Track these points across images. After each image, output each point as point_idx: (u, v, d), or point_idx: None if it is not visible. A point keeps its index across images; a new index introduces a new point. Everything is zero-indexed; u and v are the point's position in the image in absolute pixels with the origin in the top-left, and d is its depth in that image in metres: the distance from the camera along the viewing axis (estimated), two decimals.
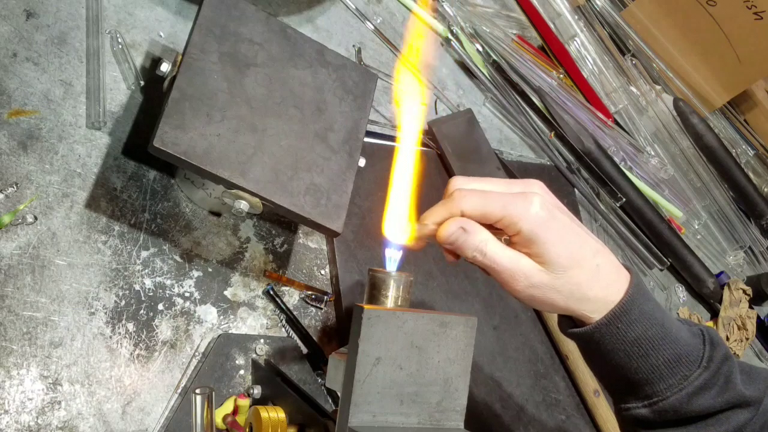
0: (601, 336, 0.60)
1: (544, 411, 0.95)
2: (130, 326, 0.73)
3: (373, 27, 1.05)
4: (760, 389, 0.63)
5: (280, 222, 0.86)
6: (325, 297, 0.84)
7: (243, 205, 0.73)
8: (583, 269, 0.59)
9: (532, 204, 0.58)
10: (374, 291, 0.57)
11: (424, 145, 1.02)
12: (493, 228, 0.62)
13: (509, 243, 0.60)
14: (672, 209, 1.28)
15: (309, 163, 0.76)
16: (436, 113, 1.07)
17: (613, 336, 0.60)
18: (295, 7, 0.98)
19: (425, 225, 0.60)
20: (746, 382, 0.63)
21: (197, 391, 0.63)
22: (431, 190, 0.99)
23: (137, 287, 0.74)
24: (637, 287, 0.61)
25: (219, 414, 0.72)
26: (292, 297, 0.83)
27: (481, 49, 1.16)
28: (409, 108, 0.62)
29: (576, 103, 1.24)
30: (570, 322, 0.64)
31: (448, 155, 1.01)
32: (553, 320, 0.99)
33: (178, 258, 0.78)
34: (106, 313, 0.72)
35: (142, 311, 0.74)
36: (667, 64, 1.40)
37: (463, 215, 0.59)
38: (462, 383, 0.55)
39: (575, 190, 1.17)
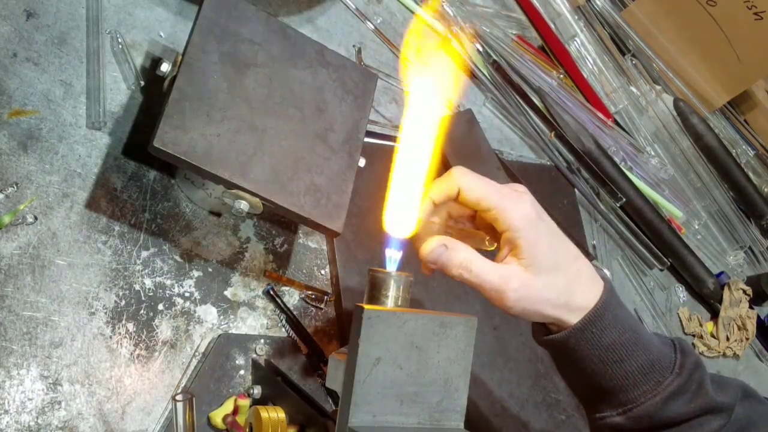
0: (576, 342, 0.61)
1: (544, 411, 0.95)
2: (130, 326, 0.73)
3: (373, 27, 1.05)
4: (731, 396, 0.64)
5: (280, 222, 0.86)
6: (325, 297, 0.84)
7: (243, 205, 0.73)
8: (565, 273, 0.60)
9: (525, 202, 0.59)
10: (374, 291, 0.57)
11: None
12: (475, 229, 0.62)
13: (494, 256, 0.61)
14: (672, 209, 1.28)
15: (309, 163, 0.76)
16: None
17: (588, 341, 0.61)
18: (295, 7, 0.98)
19: (424, 204, 0.60)
20: (717, 390, 0.63)
21: (178, 397, 0.63)
22: None
23: (137, 287, 0.74)
24: (610, 293, 0.62)
25: (219, 414, 0.72)
26: (292, 297, 0.83)
27: (481, 49, 1.16)
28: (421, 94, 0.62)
29: (576, 103, 1.24)
30: (544, 330, 0.64)
31: (448, 155, 1.01)
32: None
33: (178, 258, 0.78)
34: (106, 313, 0.72)
35: (142, 311, 0.74)
36: (667, 64, 1.40)
37: (459, 193, 0.59)
38: (462, 383, 0.55)
39: (575, 190, 1.17)
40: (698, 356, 0.64)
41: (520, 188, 0.61)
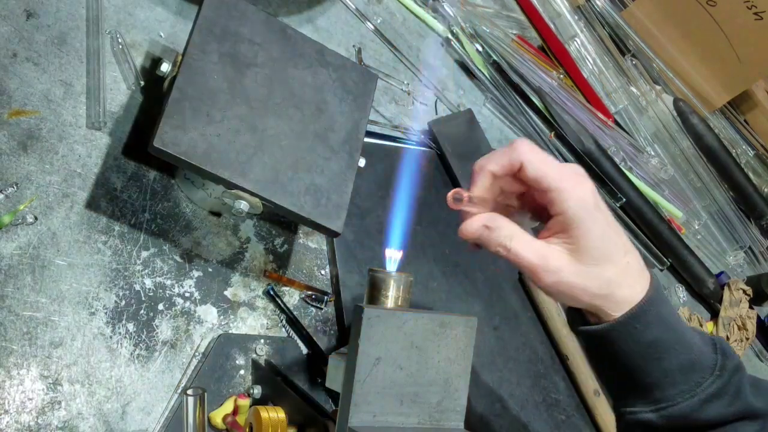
0: (617, 335, 0.59)
1: (544, 411, 0.96)
2: (130, 326, 0.73)
3: (373, 27, 1.05)
4: (767, 402, 0.61)
5: (280, 222, 0.86)
6: (325, 297, 0.84)
7: (243, 205, 0.73)
8: (614, 265, 0.58)
9: (586, 188, 0.57)
10: (374, 291, 0.57)
11: (424, 145, 1.02)
12: (521, 205, 0.61)
13: (538, 231, 0.59)
14: (672, 209, 1.28)
15: (309, 163, 0.76)
16: (436, 113, 1.07)
17: (629, 336, 0.59)
18: (295, 7, 0.98)
19: (483, 171, 0.59)
20: (754, 394, 0.61)
21: (189, 391, 0.63)
22: (431, 190, 0.99)
23: (137, 287, 0.74)
24: (656, 289, 0.60)
25: (219, 414, 0.72)
26: (292, 297, 0.83)
27: (481, 49, 1.16)
28: None
29: (576, 103, 1.24)
30: (581, 319, 0.62)
31: (448, 155, 1.01)
32: (553, 322, 0.99)
33: (178, 258, 0.78)
34: (106, 313, 0.72)
35: (142, 311, 0.74)
36: (667, 64, 1.40)
37: (521, 167, 0.57)
38: (462, 383, 0.55)
39: None
40: (739, 358, 0.61)
41: (580, 170, 0.59)
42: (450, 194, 0.59)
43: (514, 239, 0.57)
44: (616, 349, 0.60)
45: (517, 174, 0.58)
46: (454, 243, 0.98)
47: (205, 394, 0.64)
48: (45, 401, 0.67)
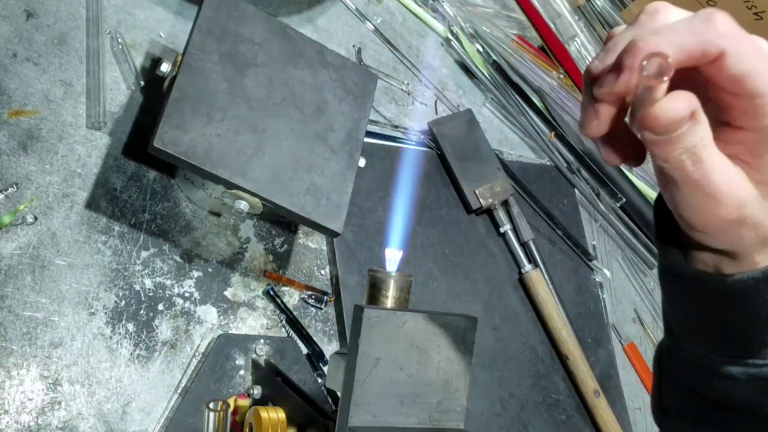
0: (749, 290, 0.44)
1: (544, 411, 0.95)
2: (130, 326, 0.73)
3: (373, 27, 1.05)
4: None
5: (280, 222, 0.86)
6: (325, 297, 0.84)
7: (243, 205, 0.73)
8: None
9: None
10: (374, 291, 0.57)
11: (423, 145, 1.02)
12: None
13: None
14: None
15: (309, 164, 0.76)
16: (436, 113, 1.07)
17: (760, 294, 0.44)
18: (295, 7, 0.98)
19: (641, 52, 0.37)
20: None
21: (211, 405, 0.60)
22: (431, 190, 0.99)
23: (137, 287, 0.74)
24: None
25: None
26: (292, 297, 0.83)
27: (481, 49, 1.16)
28: None
29: (576, 103, 1.23)
30: (681, 256, 0.47)
31: (448, 155, 1.01)
32: (553, 322, 0.99)
33: (178, 258, 0.78)
34: (106, 313, 0.72)
35: (142, 311, 0.74)
36: None
37: (721, 59, 0.37)
38: (462, 383, 0.55)
39: (575, 190, 1.17)
40: None
41: None
42: (641, 59, 0.36)
43: (707, 148, 0.38)
44: (735, 303, 0.45)
45: (708, 67, 0.38)
46: (454, 243, 0.98)
47: (229, 409, 0.61)
48: (45, 401, 0.67)
